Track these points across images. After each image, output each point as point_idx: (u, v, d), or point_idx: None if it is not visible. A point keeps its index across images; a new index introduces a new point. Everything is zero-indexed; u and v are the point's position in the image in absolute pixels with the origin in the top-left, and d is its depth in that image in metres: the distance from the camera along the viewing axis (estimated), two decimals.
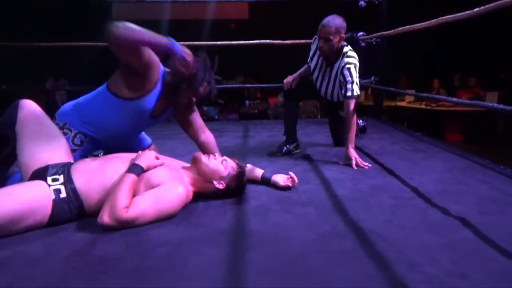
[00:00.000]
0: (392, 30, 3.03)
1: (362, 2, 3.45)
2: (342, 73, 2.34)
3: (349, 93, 2.29)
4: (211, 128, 2.02)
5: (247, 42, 3.87)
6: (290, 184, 1.81)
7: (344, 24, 2.30)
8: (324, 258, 1.16)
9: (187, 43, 3.94)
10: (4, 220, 1.24)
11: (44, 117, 1.58)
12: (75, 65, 5.51)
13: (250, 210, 1.56)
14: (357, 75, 2.34)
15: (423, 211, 1.52)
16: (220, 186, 1.62)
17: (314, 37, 2.51)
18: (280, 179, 1.84)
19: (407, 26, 2.74)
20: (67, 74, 6.02)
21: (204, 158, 1.64)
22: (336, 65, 2.41)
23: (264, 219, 1.46)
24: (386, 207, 1.57)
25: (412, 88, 5.91)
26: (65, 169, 1.43)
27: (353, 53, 2.39)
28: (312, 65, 2.55)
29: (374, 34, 3.41)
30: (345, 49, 2.38)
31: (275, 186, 1.83)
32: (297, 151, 2.59)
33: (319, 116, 5.39)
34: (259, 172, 1.90)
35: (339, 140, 2.70)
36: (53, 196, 1.35)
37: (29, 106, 1.56)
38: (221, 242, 1.27)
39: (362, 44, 3.41)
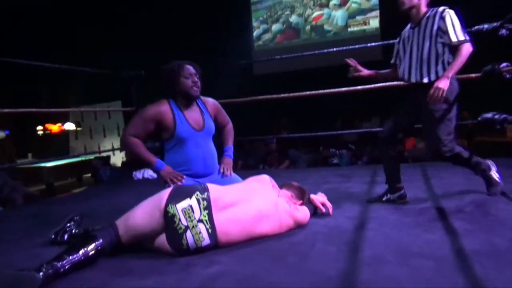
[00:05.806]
0: None
1: (504, 31, 3.08)
2: (437, 22, 2.01)
3: (454, 39, 1.96)
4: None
5: (377, 85, 3.81)
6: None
7: None
8: None
9: (323, 91, 4.08)
10: None
11: None
12: None
13: (362, 259, 1.53)
14: (459, 22, 1.99)
15: None
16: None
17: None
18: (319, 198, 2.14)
19: None
20: None
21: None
22: (424, 20, 2.09)
23: (376, 269, 1.42)
24: None
25: None
26: None
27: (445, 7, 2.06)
28: (399, 47, 2.30)
29: None
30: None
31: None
32: (402, 200, 2.30)
33: None
34: None
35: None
36: None
37: None
38: None
39: (508, 76, 3.03)
